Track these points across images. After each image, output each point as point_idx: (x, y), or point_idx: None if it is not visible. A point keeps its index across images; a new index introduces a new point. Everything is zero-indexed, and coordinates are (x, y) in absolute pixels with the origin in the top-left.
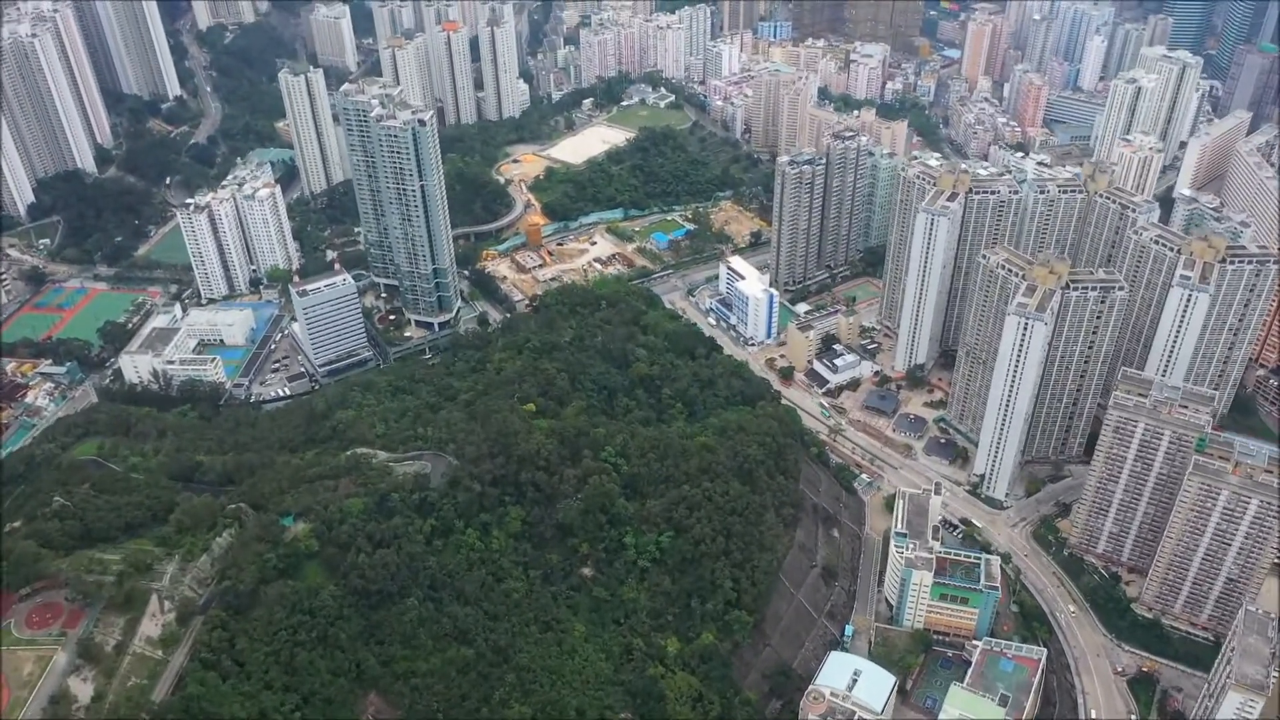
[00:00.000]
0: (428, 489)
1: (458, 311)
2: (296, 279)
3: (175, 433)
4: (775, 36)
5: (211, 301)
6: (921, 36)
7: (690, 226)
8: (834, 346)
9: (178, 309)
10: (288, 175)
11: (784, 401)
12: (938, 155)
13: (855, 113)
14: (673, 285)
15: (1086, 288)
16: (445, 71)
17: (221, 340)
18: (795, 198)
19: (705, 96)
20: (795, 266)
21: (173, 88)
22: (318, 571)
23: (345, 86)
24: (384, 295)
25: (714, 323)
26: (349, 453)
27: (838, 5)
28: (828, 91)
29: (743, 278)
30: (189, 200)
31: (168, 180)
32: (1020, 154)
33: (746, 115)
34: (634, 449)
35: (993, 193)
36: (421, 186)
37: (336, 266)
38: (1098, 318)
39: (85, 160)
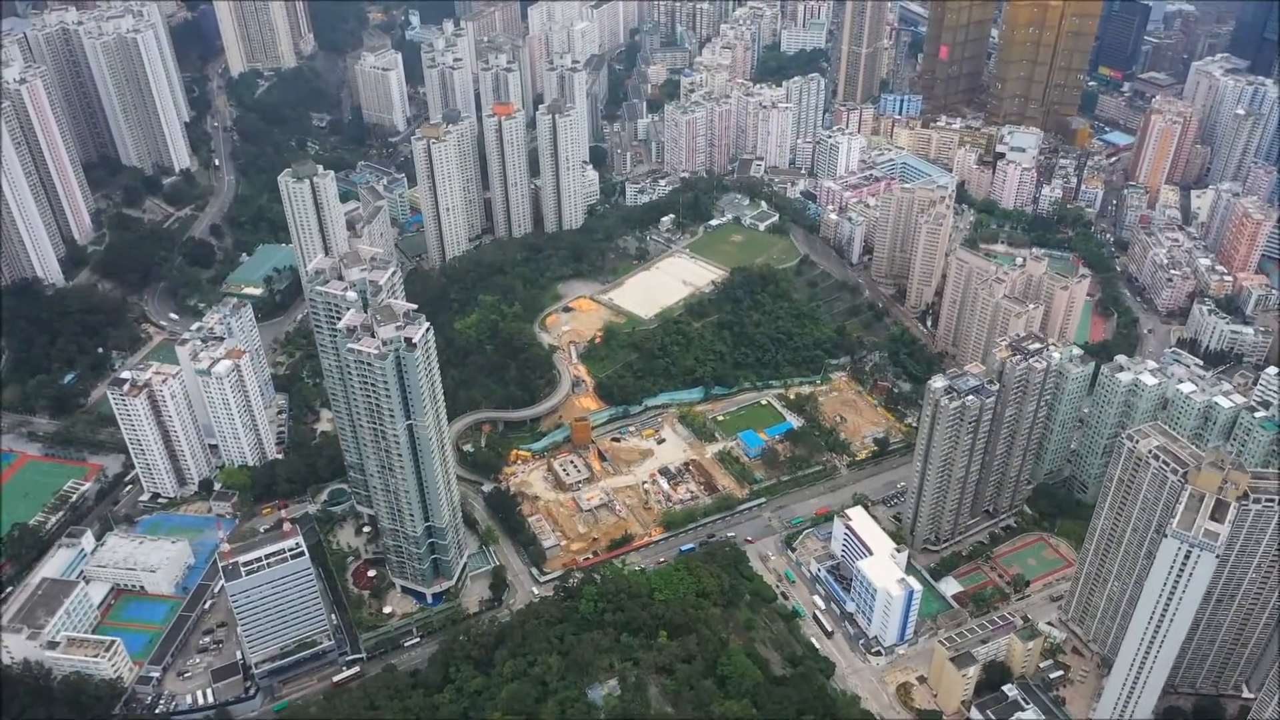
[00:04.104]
0: None
1: (463, 568)
2: (225, 547)
3: None
4: (901, 113)
5: (156, 498)
6: (1079, 116)
7: (792, 422)
8: (1004, 688)
9: (87, 539)
10: (295, 285)
11: None
12: (1153, 366)
13: (1019, 261)
14: (765, 523)
15: None
16: (495, 163)
17: (142, 587)
18: (951, 438)
19: (815, 203)
20: (942, 522)
21: (180, 159)
22: None
23: (318, 261)
24: (368, 529)
25: (822, 603)
26: None
27: (975, 73)
28: (966, 193)
29: (868, 550)
30: (123, 375)
31: (148, 290)
32: (1239, 323)
33: (867, 233)
34: None
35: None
36: (409, 427)
37: (285, 524)
38: None
39: (48, 266)
